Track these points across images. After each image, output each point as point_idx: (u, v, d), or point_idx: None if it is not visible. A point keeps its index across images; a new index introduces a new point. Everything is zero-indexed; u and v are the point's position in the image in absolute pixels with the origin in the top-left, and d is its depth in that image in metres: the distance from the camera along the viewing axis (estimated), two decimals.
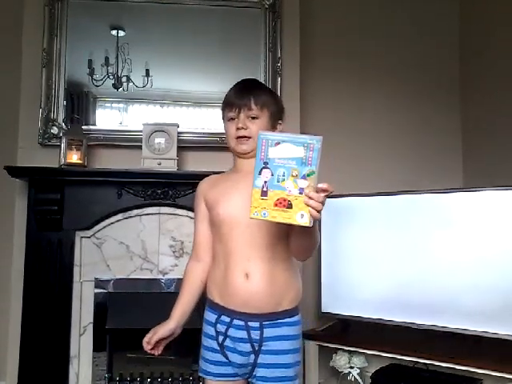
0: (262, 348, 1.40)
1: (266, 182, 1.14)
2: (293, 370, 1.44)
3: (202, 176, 1.61)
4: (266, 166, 1.14)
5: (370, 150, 3.05)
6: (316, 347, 2.58)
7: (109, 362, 2.52)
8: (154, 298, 2.51)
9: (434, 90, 3.14)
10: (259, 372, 1.42)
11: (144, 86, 2.68)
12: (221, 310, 1.43)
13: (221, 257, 1.45)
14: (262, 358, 1.41)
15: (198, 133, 2.68)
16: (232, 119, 1.47)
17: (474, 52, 3.06)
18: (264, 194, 1.14)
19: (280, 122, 1.54)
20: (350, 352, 2.53)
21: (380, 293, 2.48)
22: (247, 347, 1.41)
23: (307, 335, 2.63)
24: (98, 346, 2.50)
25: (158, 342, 1.47)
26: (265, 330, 1.40)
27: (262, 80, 2.75)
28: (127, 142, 2.62)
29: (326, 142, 3.16)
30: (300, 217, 1.12)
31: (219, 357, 1.44)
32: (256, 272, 1.38)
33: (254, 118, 1.47)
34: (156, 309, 2.41)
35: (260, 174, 1.15)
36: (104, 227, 2.54)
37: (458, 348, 2.25)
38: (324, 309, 2.65)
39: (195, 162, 2.65)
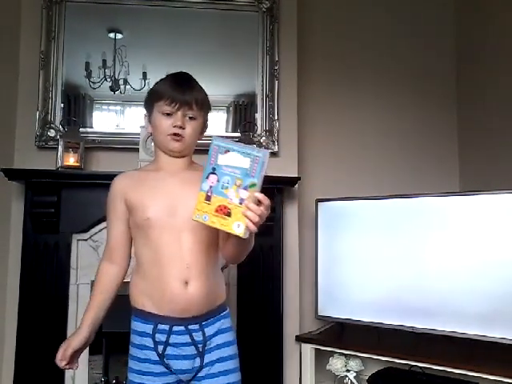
0: (207, 347, 1.39)
1: (211, 187, 1.18)
2: (237, 360, 1.45)
3: None
4: (213, 171, 1.18)
5: (366, 154, 3.05)
6: (312, 350, 2.58)
7: (105, 366, 2.51)
8: None
9: (431, 93, 3.15)
10: (206, 371, 1.39)
11: (141, 89, 2.68)
12: (156, 318, 1.37)
13: (150, 263, 1.39)
14: (208, 357, 1.39)
15: None
16: (168, 114, 1.39)
17: (471, 56, 3.07)
18: (208, 198, 1.18)
19: (207, 125, 1.49)
20: (346, 355, 2.53)
21: (377, 296, 2.48)
22: (191, 350, 1.38)
23: (303, 338, 2.63)
24: (93, 349, 2.49)
25: (72, 356, 1.39)
26: (205, 329, 1.40)
27: (259, 83, 2.76)
28: (124, 144, 2.61)
29: (323, 144, 3.15)
30: (236, 226, 1.16)
31: (159, 368, 1.37)
32: (195, 278, 1.35)
33: (191, 118, 1.41)
34: None
35: (207, 178, 1.18)
36: (101, 230, 2.52)
37: (454, 351, 2.25)
38: (320, 312, 2.65)
39: None
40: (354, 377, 2.52)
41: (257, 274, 2.56)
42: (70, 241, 2.49)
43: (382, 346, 2.41)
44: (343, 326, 2.65)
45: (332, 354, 2.56)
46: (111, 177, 2.43)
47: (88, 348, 2.41)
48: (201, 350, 1.38)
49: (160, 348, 1.37)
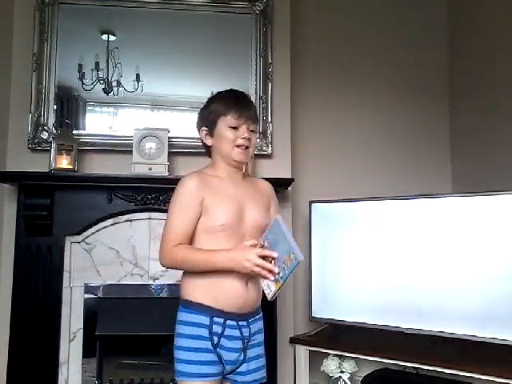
0: (249, 343, 1.55)
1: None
2: (265, 358, 1.63)
3: None
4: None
5: (359, 156, 3.06)
6: (306, 352, 2.59)
7: (98, 368, 2.50)
8: (144, 303, 2.49)
9: (423, 95, 3.16)
10: (245, 366, 1.55)
11: (134, 91, 2.68)
12: (212, 312, 1.50)
13: None
14: (250, 352, 1.56)
15: (189, 138, 2.65)
16: (233, 128, 1.53)
17: (463, 57, 3.09)
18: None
19: None
20: (340, 357, 2.53)
21: (370, 297, 2.49)
22: (239, 344, 1.53)
23: (297, 340, 2.63)
24: (87, 352, 2.48)
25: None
26: (251, 326, 1.56)
27: (253, 85, 2.76)
28: (117, 146, 2.61)
29: (317, 146, 3.14)
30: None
31: (212, 356, 1.50)
32: (253, 280, 1.51)
33: (251, 131, 1.56)
34: (146, 314, 2.42)
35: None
36: (94, 232, 2.53)
37: (448, 352, 2.26)
38: (314, 313, 2.66)
39: (186, 167, 2.62)
40: (348, 378, 2.53)
41: None
42: (63, 243, 2.49)
43: (376, 347, 2.41)
44: (337, 328, 2.66)
45: (326, 355, 2.57)
46: (104, 179, 2.47)
47: (81, 351, 2.44)
48: (245, 345, 1.54)
49: (215, 339, 1.49)
